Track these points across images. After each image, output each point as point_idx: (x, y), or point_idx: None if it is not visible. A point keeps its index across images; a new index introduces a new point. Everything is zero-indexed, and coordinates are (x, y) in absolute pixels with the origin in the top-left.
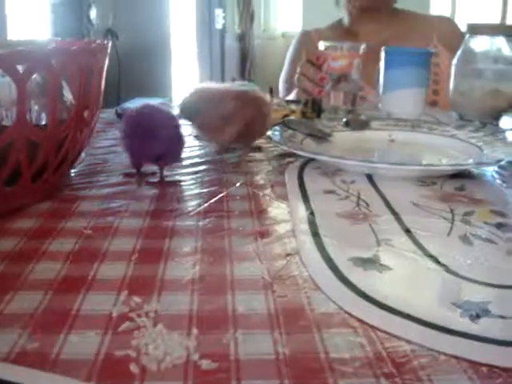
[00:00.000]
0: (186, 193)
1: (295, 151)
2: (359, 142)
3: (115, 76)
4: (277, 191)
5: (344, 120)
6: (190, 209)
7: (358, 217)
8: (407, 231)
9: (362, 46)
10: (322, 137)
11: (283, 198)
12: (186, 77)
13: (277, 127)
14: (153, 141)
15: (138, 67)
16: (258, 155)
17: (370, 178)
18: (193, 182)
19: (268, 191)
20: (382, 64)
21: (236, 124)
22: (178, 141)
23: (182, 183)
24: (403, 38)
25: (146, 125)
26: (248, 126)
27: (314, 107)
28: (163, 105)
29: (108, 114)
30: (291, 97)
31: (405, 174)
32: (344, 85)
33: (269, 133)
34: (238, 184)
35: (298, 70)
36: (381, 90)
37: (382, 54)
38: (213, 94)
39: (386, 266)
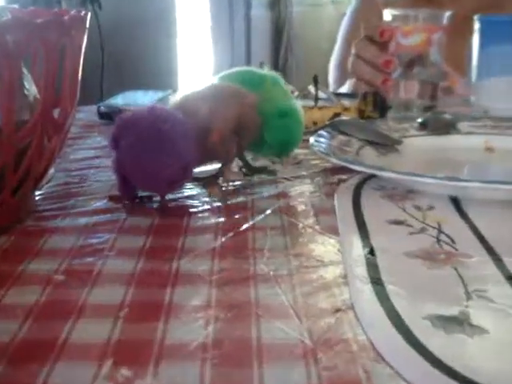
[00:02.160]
0: (197, 223)
1: (349, 165)
2: (441, 152)
3: (97, 60)
4: (323, 221)
5: (419, 120)
6: (201, 246)
7: (438, 257)
8: (510, 279)
9: (446, 15)
10: (387, 145)
11: (331, 230)
12: (196, 61)
13: (323, 131)
14: (168, 159)
15: (128, 47)
16: (294, 169)
17: (455, 202)
18: (206, 207)
19: (310, 221)
20: (475, 40)
21: (219, 127)
22: (195, 156)
23: (192, 209)
24: (499, 5)
25: (157, 135)
26: (237, 126)
27: (375, 103)
28: (161, 102)
29: (87, 113)
30: (344, 88)
31: (508, 197)
32: (419, 70)
33: (312, 140)
34: (268, 211)
35: (354, 50)
36: (473, 76)
37: (476, 26)
38: (190, 107)
39: (479, 327)
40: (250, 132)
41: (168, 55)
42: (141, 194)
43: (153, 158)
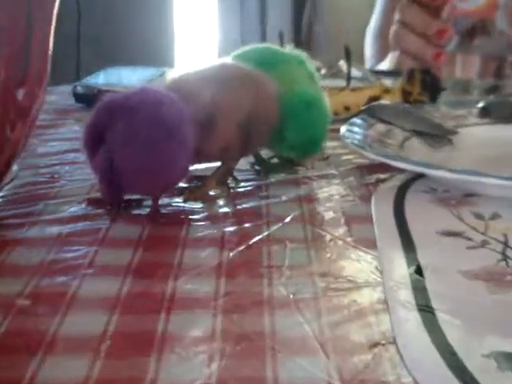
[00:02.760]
0: (198, 234)
1: (390, 161)
2: (508, 145)
3: (72, 30)
4: (356, 232)
5: (481, 105)
6: (203, 262)
7: (503, 279)
8: None
9: None
10: (438, 136)
11: (367, 243)
12: (197, 32)
13: (357, 119)
14: (172, 155)
15: (110, 14)
16: (321, 167)
17: None
18: (209, 213)
19: (341, 232)
20: None
21: (223, 127)
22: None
23: (192, 216)
24: None
25: (158, 124)
26: (245, 126)
27: (425, 83)
28: (153, 83)
29: (61, 95)
30: (385, 65)
31: None
32: (481, 42)
33: (343, 129)
34: (288, 219)
35: (399, 16)
36: None
37: None
38: (188, 91)
39: None
40: (264, 130)
41: (162, 24)
42: (128, 196)
43: (153, 154)
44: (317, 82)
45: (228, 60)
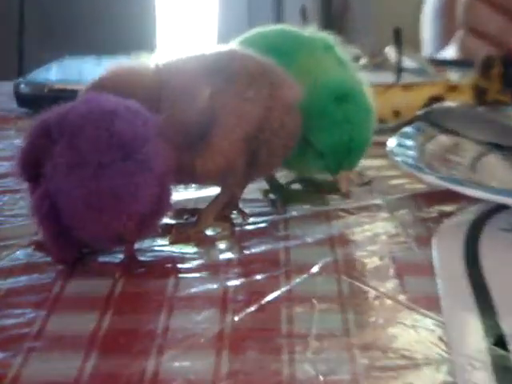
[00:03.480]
0: (190, 290)
1: (458, 188)
2: None
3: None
4: (411, 287)
5: None
6: (197, 330)
7: None
8: None
9: None
10: None
11: (427, 303)
12: (189, 7)
13: (411, 128)
14: (138, 187)
15: None
16: (361, 195)
17: None
18: (204, 261)
19: (390, 286)
20: None
21: (222, 142)
22: (169, 183)
23: (181, 266)
24: None
25: (102, 144)
26: (252, 141)
27: (507, 77)
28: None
29: None
30: (449, 52)
31: None
32: None
33: (391, 143)
34: (315, 267)
35: None
36: None
37: None
38: (174, 88)
39: None
40: (278, 147)
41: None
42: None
43: (104, 183)
44: (351, 71)
45: (233, 47)
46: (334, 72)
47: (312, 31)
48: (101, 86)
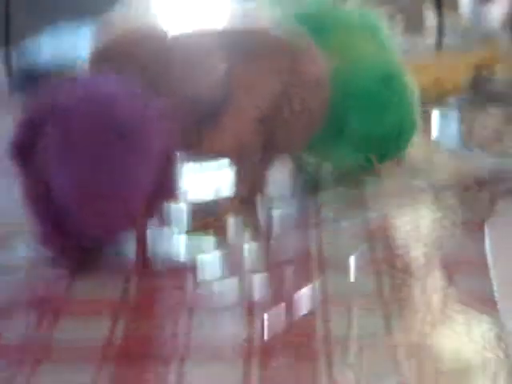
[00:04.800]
0: (211, 289)
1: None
2: None
3: None
4: (463, 283)
5: None
6: (221, 337)
7: None
8: None
9: None
10: None
11: (481, 301)
12: None
13: (456, 101)
14: (137, 172)
15: None
16: (401, 180)
17: None
18: (227, 254)
19: (438, 282)
20: None
21: (235, 117)
22: (173, 167)
23: (202, 260)
24: None
25: (96, 128)
26: (270, 119)
27: None
28: None
29: None
30: (496, 10)
31: None
32: None
33: (434, 118)
34: (352, 258)
35: None
36: None
37: None
38: (189, 57)
39: None
40: (298, 126)
41: None
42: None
43: (98, 169)
44: (393, 54)
45: (256, 17)
46: (374, 54)
47: (353, 8)
48: (107, 52)
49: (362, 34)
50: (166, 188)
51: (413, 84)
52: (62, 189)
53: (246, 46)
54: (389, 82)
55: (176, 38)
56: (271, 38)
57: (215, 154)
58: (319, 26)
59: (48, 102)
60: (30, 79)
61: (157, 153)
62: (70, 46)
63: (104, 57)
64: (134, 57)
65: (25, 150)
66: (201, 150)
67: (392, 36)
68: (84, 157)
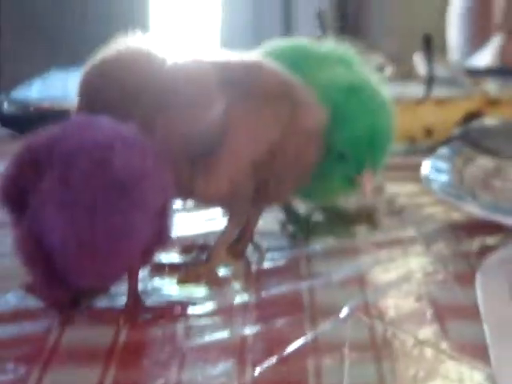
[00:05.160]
0: (202, 339)
1: (503, 219)
2: None
3: None
4: (454, 333)
5: None
6: None
7: None
8: None
9: None
10: None
11: (473, 352)
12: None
13: (446, 150)
14: (129, 231)
15: None
16: (392, 225)
17: None
18: (217, 305)
19: (429, 332)
20: None
21: (229, 162)
22: (169, 215)
23: (192, 311)
24: None
25: (97, 182)
26: (261, 166)
27: None
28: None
29: None
30: (485, 58)
31: None
32: None
33: (425, 167)
34: (343, 311)
35: None
36: None
37: None
38: (185, 91)
39: None
40: (290, 175)
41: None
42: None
43: (99, 225)
44: (358, 66)
45: (256, 57)
46: (337, 67)
47: (330, 46)
48: (102, 68)
49: (336, 65)
50: (161, 236)
51: (386, 97)
52: (56, 240)
53: (245, 86)
54: (355, 93)
55: (174, 65)
56: (271, 79)
57: (207, 200)
58: (293, 61)
59: (44, 149)
60: (21, 121)
61: (156, 204)
62: (61, 90)
63: (99, 69)
64: (131, 76)
65: (16, 195)
66: (193, 195)
67: (367, 71)
68: (82, 209)
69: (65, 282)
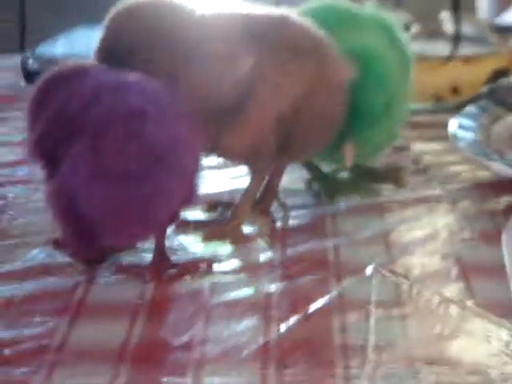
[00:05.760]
0: (227, 295)
1: None
2: None
3: None
4: (480, 290)
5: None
6: (237, 343)
7: None
8: None
9: None
10: None
11: (499, 309)
12: None
13: (474, 108)
14: (163, 197)
15: None
16: (417, 184)
17: None
18: (242, 262)
19: (455, 290)
20: None
21: (256, 116)
22: (198, 175)
23: (217, 268)
24: None
25: (141, 135)
26: (287, 120)
27: None
28: None
29: (4, 71)
30: None
31: None
32: None
33: (452, 125)
34: (368, 268)
35: None
36: None
37: None
38: (210, 48)
39: None
40: (317, 132)
41: None
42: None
43: (134, 192)
44: (403, 52)
45: (285, 13)
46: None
47: (370, 9)
48: (131, 10)
49: (377, 35)
50: (189, 195)
51: (386, 74)
52: (89, 205)
53: (273, 40)
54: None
55: (203, 17)
56: (299, 34)
57: (232, 155)
58: (334, 22)
59: (75, 110)
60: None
61: (190, 167)
62: (85, 46)
63: (121, 18)
64: (160, 21)
65: (49, 151)
66: (219, 151)
67: (406, 39)
68: (115, 179)
69: (94, 239)
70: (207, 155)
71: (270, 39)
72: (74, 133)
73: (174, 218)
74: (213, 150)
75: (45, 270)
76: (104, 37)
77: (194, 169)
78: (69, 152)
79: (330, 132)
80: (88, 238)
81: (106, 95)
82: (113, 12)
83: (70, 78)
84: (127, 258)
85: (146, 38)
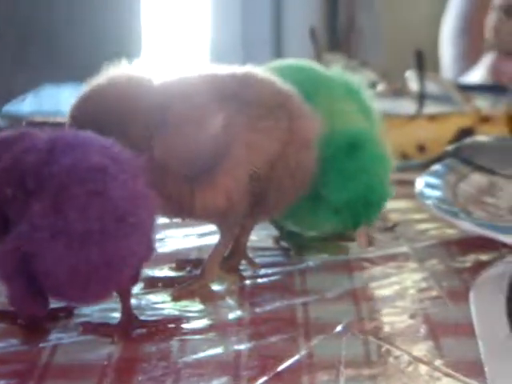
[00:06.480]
0: (196, 355)
1: (496, 235)
2: None
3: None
4: (448, 350)
5: None
6: None
7: None
8: None
9: None
10: None
11: (469, 369)
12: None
13: (439, 166)
14: (124, 256)
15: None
16: (385, 242)
17: None
18: (212, 321)
19: (423, 349)
20: None
21: (228, 174)
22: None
23: (186, 327)
24: None
25: (93, 208)
26: (261, 178)
27: None
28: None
29: None
30: (477, 75)
31: None
32: None
33: (418, 184)
34: (338, 327)
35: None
36: None
37: None
38: (183, 108)
39: None
40: (289, 188)
41: (125, 16)
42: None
43: (104, 256)
44: (373, 118)
45: (250, 70)
46: (351, 120)
47: (336, 72)
48: (96, 95)
49: (344, 99)
50: (148, 251)
51: (386, 153)
52: (48, 264)
53: (241, 97)
54: (355, 149)
55: (166, 83)
56: (267, 90)
57: (204, 214)
58: (304, 89)
59: (31, 169)
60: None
61: (149, 225)
62: (54, 105)
63: (87, 103)
64: (124, 101)
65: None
66: (189, 211)
67: (373, 101)
68: (77, 237)
69: (45, 299)
70: (174, 217)
71: (239, 97)
72: (29, 190)
73: (136, 276)
74: (181, 210)
75: (8, 332)
76: (71, 122)
77: (152, 225)
78: (26, 211)
79: (302, 188)
80: (38, 296)
81: (64, 151)
82: (76, 100)
83: (16, 139)
84: (94, 318)
85: (112, 121)
